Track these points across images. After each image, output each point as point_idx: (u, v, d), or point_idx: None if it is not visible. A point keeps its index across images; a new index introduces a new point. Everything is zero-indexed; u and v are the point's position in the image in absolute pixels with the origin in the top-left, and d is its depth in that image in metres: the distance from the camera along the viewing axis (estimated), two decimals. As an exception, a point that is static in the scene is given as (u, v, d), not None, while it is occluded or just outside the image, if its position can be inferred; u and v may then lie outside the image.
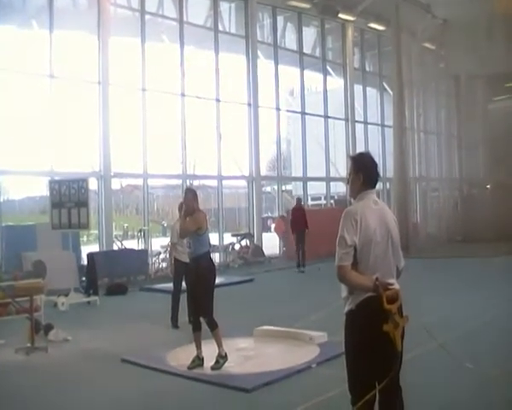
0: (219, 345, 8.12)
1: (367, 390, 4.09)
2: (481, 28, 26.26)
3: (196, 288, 8.20)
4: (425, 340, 6.63)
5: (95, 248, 19.13)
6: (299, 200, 21.67)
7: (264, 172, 27.19)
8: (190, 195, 8.56)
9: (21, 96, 17.79)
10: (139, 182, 21.53)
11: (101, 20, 19.00)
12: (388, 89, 29.54)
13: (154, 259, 19.82)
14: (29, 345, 9.44)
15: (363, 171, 4.42)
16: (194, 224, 8.22)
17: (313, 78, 29.61)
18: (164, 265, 19.19)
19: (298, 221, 19.76)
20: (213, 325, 8.13)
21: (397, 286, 4.25)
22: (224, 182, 24.07)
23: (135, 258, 18.40)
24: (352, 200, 4.50)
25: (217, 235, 22.37)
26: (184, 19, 22.00)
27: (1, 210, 17.57)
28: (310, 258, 20.22)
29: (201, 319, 8.23)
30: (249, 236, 23.38)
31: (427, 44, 30.16)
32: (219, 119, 22.83)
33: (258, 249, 23.05)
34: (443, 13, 28.12)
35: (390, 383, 4.09)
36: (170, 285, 11.70)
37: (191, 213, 8.33)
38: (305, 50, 27.14)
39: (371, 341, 4.08)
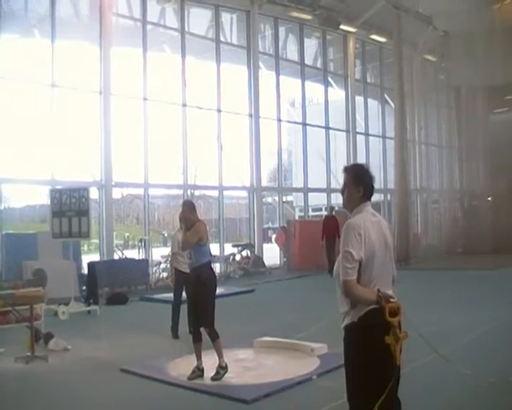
0: (220, 356, 8.10)
1: (367, 403, 4.08)
2: (482, 40, 26.34)
3: (197, 298, 8.18)
4: (423, 350, 6.62)
5: (95, 257, 19.09)
6: (332, 208, 22.07)
7: (264, 182, 27.22)
8: (186, 207, 8.56)
9: (23, 104, 17.85)
10: (140, 191, 21.57)
11: (103, 30, 19.05)
12: (390, 100, 29.58)
13: (154, 268, 19.80)
14: (29, 354, 9.40)
15: (364, 184, 4.40)
16: (194, 236, 8.21)
17: (314, 89, 29.67)
18: (164, 275, 19.19)
19: (330, 229, 19.97)
20: (214, 336, 8.11)
21: (394, 297, 4.24)
22: (225, 192, 24.09)
23: (135, 268, 18.34)
24: (349, 212, 4.46)
25: (217, 245, 22.36)
26: (186, 29, 22.06)
27: (1, 218, 17.58)
28: (309, 268, 20.29)
29: (202, 330, 8.21)
30: (250, 246, 23.34)
31: (428, 56, 30.23)
32: (220, 129, 22.86)
33: (258, 260, 23.02)
34: (444, 25, 28.22)
35: (389, 395, 4.08)
36: (170, 295, 11.67)
37: (191, 225, 8.32)
38: (306, 61, 27.18)
39: (372, 353, 4.06)
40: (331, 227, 20.11)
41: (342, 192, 4.51)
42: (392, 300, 4.11)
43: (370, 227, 4.24)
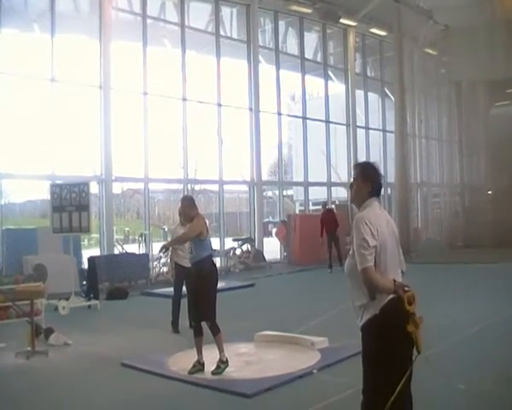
0: (221, 350, 8.09)
1: (389, 395, 4.06)
2: (482, 34, 26.26)
3: (198, 292, 8.17)
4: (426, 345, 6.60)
5: (96, 252, 19.07)
6: (325, 204, 22.79)
7: (265, 176, 27.19)
8: (186, 202, 8.59)
9: (23, 99, 17.81)
10: (140, 186, 21.56)
11: (103, 24, 19.00)
12: (390, 94, 29.54)
13: (154, 263, 19.78)
14: (29, 349, 9.40)
15: (372, 181, 4.50)
16: (193, 230, 8.20)
17: (315, 83, 29.62)
18: (165, 269, 19.18)
19: (329, 223, 20.06)
20: (216, 330, 8.11)
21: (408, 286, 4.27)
22: (226, 187, 24.07)
23: (136, 262, 18.33)
24: (357, 207, 4.53)
25: (218, 240, 22.34)
26: (186, 23, 22.01)
27: (2, 214, 17.56)
28: (309, 262, 20.31)
29: (203, 324, 8.20)
30: (250, 241, 23.33)
31: (428, 50, 30.16)
32: (221, 123, 22.82)
33: (259, 254, 23.02)
34: (444, 19, 28.13)
35: (406, 388, 4.10)
36: (171, 290, 11.70)
37: (190, 220, 8.31)
38: (306, 55, 27.12)
39: (399, 343, 4.10)
40: (330, 221, 20.24)
41: (351, 186, 4.61)
42: (407, 288, 4.16)
43: (379, 219, 4.35)
